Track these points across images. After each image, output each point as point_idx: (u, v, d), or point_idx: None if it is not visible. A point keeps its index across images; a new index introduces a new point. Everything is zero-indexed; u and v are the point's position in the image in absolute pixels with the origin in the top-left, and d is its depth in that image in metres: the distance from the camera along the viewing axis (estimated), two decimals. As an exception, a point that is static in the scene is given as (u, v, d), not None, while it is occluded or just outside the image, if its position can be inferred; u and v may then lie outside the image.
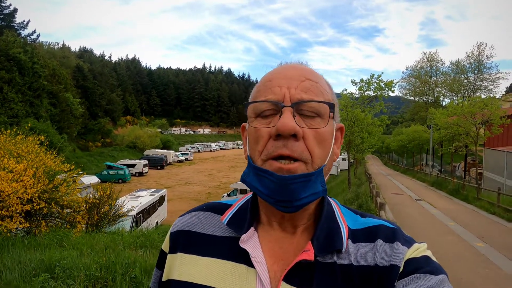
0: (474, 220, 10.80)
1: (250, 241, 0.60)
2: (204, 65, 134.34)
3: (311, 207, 0.61)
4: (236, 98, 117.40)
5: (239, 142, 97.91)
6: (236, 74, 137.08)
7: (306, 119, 0.57)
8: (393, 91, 15.46)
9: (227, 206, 0.71)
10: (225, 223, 0.64)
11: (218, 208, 0.70)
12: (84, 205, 7.67)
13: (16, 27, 41.56)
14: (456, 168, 31.89)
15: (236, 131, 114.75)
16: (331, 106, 0.59)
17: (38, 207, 5.77)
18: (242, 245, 0.58)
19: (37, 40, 49.50)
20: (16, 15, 41.94)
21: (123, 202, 10.31)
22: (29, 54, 33.05)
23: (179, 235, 0.68)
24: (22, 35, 41.86)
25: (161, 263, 0.70)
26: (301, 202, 0.55)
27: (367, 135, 16.27)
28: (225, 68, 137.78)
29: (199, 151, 74.78)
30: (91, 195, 8.32)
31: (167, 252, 0.68)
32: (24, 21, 43.37)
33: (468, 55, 47.09)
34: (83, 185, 14.30)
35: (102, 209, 8.23)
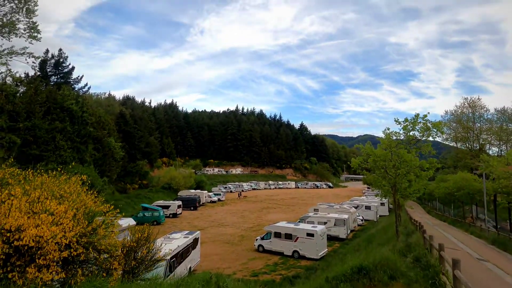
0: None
1: None
2: (237, 107, 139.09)
3: None
4: (267, 139, 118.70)
5: (270, 182, 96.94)
6: (268, 115, 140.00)
7: None
8: (442, 133, 14.42)
9: None
10: None
11: None
12: (121, 249, 7.37)
13: (71, 82, 46.40)
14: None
15: (267, 171, 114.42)
16: None
17: (75, 253, 5.51)
18: None
19: (87, 92, 54.49)
20: (73, 72, 47.07)
21: (160, 245, 9.92)
22: (80, 105, 36.41)
23: None
24: (76, 89, 46.50)
25: None
26: None
27: (415, 178, 15.02)
28: (257, 110, 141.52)
29: (231, 191, 74.53)
30: (128, 238, 8.04)
31: None
32: (78, 76, 48.50)
33: (514, 104, 44.45)
34: (120, 228, 14.21)
35: (140, 253, 7.85)
